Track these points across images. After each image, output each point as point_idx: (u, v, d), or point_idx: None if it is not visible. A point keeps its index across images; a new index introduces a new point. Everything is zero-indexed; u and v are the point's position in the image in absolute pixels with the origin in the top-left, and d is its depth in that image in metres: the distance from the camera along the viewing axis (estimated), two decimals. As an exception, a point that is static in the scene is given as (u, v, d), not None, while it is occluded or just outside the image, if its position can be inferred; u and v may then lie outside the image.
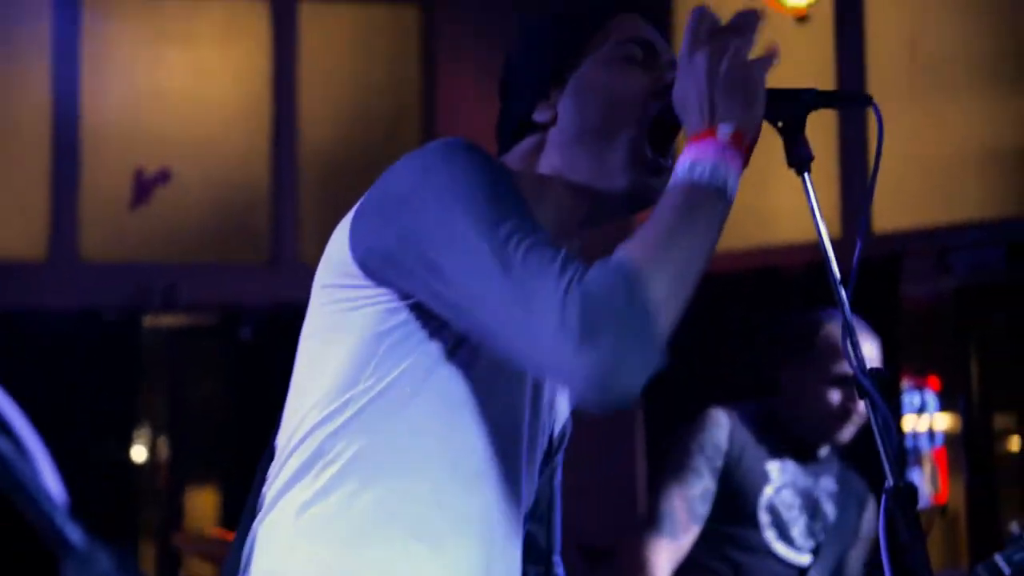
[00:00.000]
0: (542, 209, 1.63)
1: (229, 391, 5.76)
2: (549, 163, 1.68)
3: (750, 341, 4.75)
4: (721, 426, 2.99)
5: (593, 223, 1.71)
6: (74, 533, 0.93)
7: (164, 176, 5.57)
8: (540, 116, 1.69)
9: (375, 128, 5.94)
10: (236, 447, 5.63)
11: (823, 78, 5.07)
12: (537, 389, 1.66)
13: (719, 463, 2.97)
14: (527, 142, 1.71)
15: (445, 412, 1.57)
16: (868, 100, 1.64)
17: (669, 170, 1.59)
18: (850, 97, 1.74)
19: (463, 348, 1.56)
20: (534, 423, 1.66)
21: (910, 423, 5.12)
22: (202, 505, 5.88)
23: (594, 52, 1.69)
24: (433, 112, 5.86)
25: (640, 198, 1.64)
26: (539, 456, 1.70)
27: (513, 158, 1.71)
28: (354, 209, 1.60)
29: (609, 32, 1.70)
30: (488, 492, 1.60)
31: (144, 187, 5.52)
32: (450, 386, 1.57)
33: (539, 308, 1.39)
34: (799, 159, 1.59)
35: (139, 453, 5.59)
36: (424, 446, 1.57)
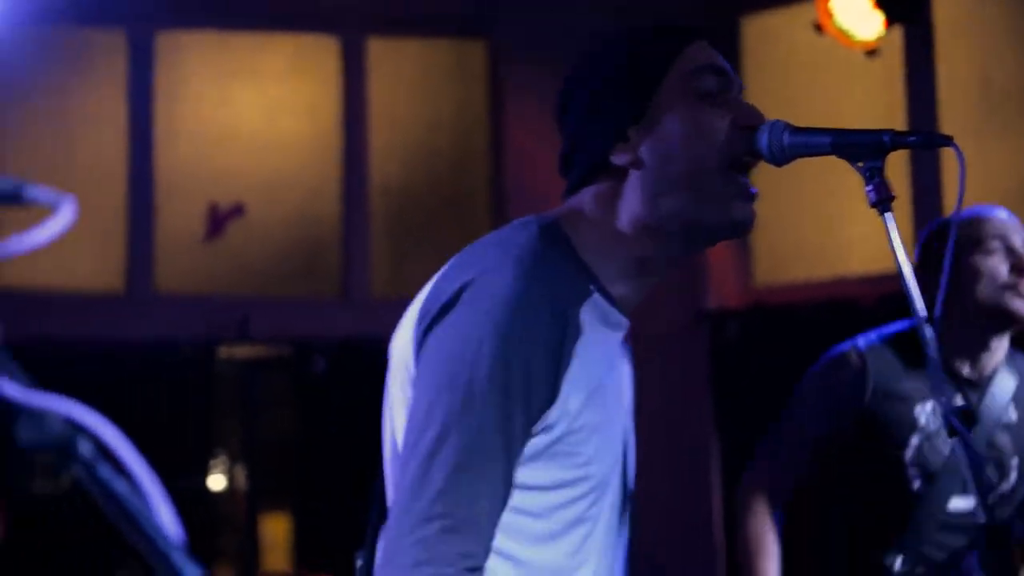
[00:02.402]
0: (619, 259, 1.69)
1: (301, 421, 5.82)
2: (631, 208, 1.69)
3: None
4: (850, 367, 2.76)
5: (677, 262, 1.74)
6: (191, 570, 0.96)
7: (238, 211, 5.65)
8: (619, 159, 1.69)
9: (443, 162, 5.99)
10: (308, 476, 5.69)
11: (893, 112, 5.05)
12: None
13: (846, 407, 2.75)
14: (603, 187, 1.71)
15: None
16: (948, 141, 1.63)
17: (755, 195, 1.67)
18: (929, 139, 1.69)
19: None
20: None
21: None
22: (275, 532, 5.94)
23: (669, 84, 1.69)
24: (501, 146, 5.90)
25: (745, 224, 1.68)
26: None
27: (587, 202, 1.72)
28: (417, 328, 1.68)
29: (682, 61, 1.70)
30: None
31: (218, 221, 5.60)
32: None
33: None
34: (881, 199, 1.61)
35: (216, 482, 5.66)
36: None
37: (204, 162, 5.71)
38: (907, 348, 2.75)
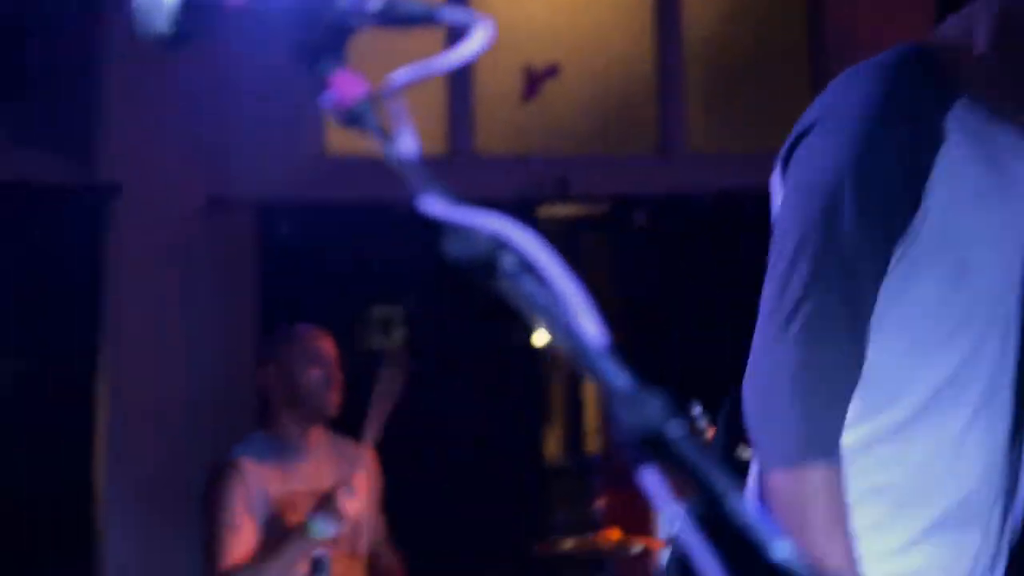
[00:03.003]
0: (994, 92, 1.69)
1: (619, 278, 5.87)
2: (987, 30, 1.69)
3: None
4: None
5: None
6: (618, 377, 0.98)
7: (552, 71, 5.68)
8: None
9: (759, 11, 5.85)
10: (625, 332, 5.75)
11: None
12: None
13: None
14: (966, 12, 1.71)
15: None
16: None
17: None
18: None
19: None
20: None
21: None
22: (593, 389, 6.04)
23: None
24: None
25: None
26: None
27: (951, 28, 1.72)
28: None
29: None
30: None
31: (533, 82, 5.65)
32: None
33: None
34: None
35: (540, 338, 5.80)
36: None
37: (521, 24, 5.75)
38: None
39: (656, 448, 0.94)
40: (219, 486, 3.95)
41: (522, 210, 5.59)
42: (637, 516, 4.61)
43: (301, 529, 3.77)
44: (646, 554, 4.24)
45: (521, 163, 5.58)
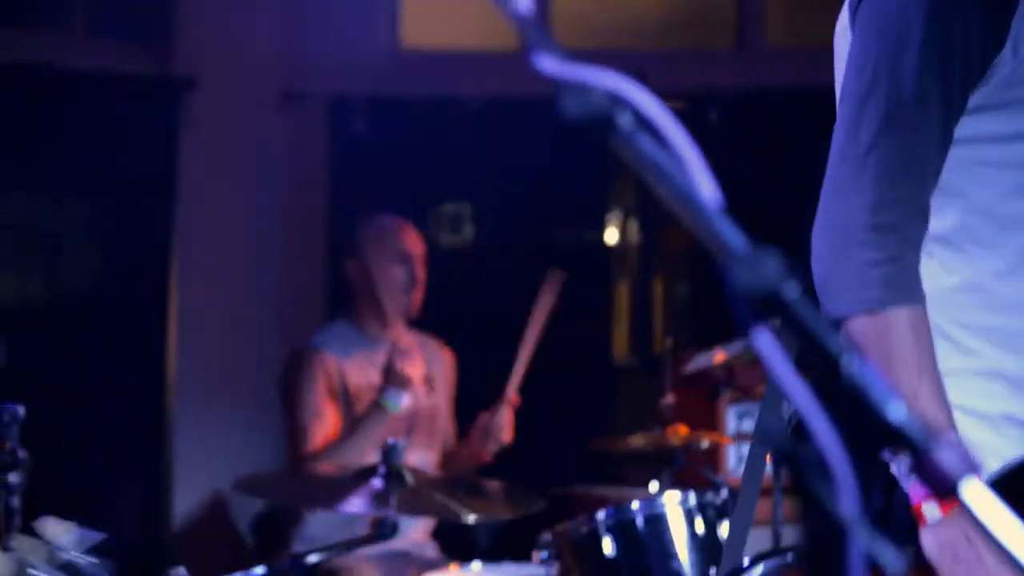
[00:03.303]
0: None
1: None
2: None
3: None
4: None
5: None
6: (735, 237, 0.97)
7: (631, -37, 5.60)
8: None
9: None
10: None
11: None
12: None
13: None
14: None
15: None
16: None
17: None
18: None
19: None
20: None
21: None
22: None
23: None
24: None
25: None
26: None
27: None
28: None
29: None
30: None
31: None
32: None
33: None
34: None
35: (611, 236, 5.79)
36: None
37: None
38: None
39: (771, 308, 0.94)
40: (301, 373, 3.95)
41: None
42: (704, 414, 4.62)
43: (373, 405, 3.78)
44: (713, 449, 4.26)
45: (598, 57, 5.52)
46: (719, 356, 4.33)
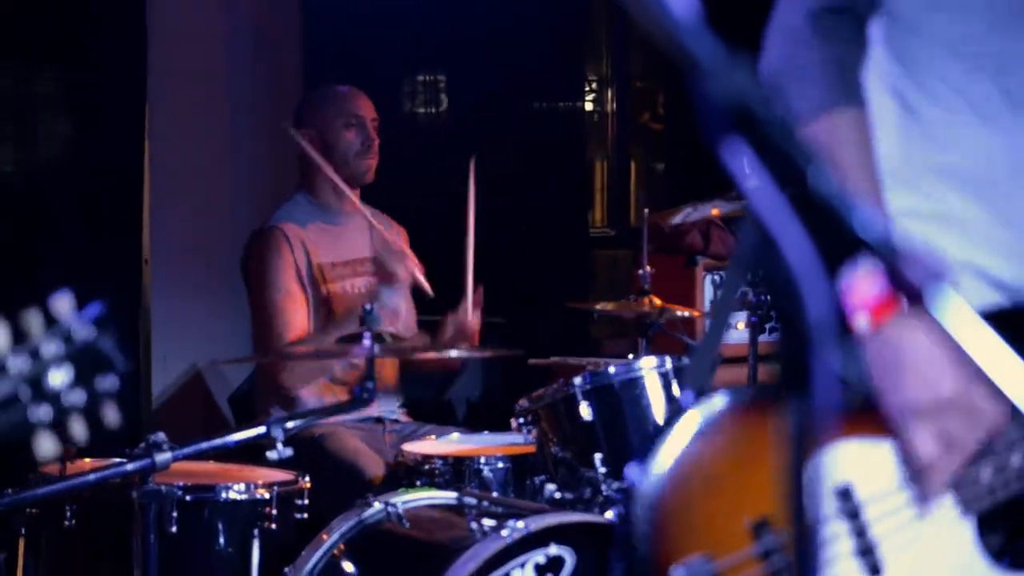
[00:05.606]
0: None
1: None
2: None
3: None
4: None
5: None
6: (704, 47, 0.95)
7: None
8: None
9: None
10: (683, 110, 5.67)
11: None
12: None
13: None
14: None
15: None
16: None
17: None
18: None
19: None
20: None
21: None
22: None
23: None
24: None
25: None
26: None
27: None
28: None
29: None
30: None
31: None
32: None
33: None
34: None
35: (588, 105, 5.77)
36: None
37: None
38: None
39: (741, 120, 0.93)
40: (266, 253, 3.86)
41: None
42: (680, 283, 4.64)
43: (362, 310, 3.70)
44: (690, 317, 4.27)
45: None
46: (714, 211, 4.35)
